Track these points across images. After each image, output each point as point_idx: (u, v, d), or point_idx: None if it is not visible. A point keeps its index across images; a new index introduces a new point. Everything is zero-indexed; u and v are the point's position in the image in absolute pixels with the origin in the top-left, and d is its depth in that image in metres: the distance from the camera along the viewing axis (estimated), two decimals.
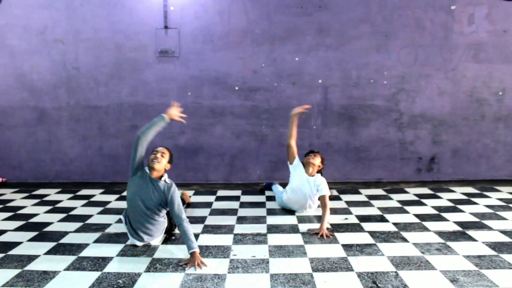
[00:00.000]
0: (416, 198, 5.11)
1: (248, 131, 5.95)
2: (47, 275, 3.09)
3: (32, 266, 3.23)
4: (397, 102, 5.96)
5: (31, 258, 3.37)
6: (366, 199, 5.12)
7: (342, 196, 5.26)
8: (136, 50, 5.85)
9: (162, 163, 3.59)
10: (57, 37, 5.90)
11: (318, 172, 4.50)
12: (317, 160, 4.47)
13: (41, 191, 5.59)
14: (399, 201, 4.99)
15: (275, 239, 3.78)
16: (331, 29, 5.84)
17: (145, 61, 5.87)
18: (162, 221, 3.66)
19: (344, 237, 3.80)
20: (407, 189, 5.56)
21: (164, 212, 3.67)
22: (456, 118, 5.97)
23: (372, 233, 3.90)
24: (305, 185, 4.41)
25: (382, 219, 4.34)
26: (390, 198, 5.14)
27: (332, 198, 5.07)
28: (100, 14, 5.83)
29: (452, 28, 5.81)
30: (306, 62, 5.87)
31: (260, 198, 5.17)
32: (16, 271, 3.15)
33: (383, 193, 5.40)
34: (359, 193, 5.42)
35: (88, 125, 6.00)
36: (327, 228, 3.98)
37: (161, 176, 3.62)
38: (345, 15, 5.83)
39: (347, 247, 3.57)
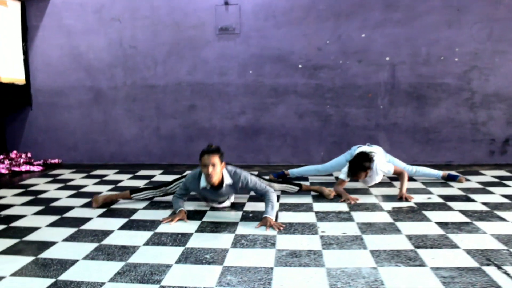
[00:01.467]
0: (496, 180, 4.75)
1: (311, 111, 5.68)
2: (127, 249, 2.90)
3: (109, 241, 3.06)
4: (469, 81, 5.59)
5: (105, 233, 3.20)
6: (441, 180, 4.78)
7: (415, 177, 4.94)
8: (195, 28, 5.66)
9: (217, 174, 3.30)
10: (114, 15, 5.76)
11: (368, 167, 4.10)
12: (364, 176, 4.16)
13: (98, 172, 5.47)
14: (479, 182, 4.64)
15: (361, 216, 3.51)
16: (400, 3, 5.51)
17: (204, 39, 5.67)
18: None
19: (435, 215, 3.49)
20: (482, 171, 5.19)
21: None
22: None
23: (464, 212, 3.57)
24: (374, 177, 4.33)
25: (468, 199, 4.01)
26: (468, 180, 4.78)
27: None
28: None
29: None
30: (372, 39, 5.56)
31: (330, 178, 4.90)
32: (94, 245, 2.98)
33: (458, 175, 5.04)
34: None
35: (144, 105, 5.85)
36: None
37: (222, 180, 3.41)
38: None
39: (442, 224, 3.27)
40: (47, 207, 3.93)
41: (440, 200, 3.96)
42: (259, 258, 2.70)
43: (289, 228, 3.24)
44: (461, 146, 5.68)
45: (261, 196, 3.48)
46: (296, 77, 5.64)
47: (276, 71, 5.65)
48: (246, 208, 3.77)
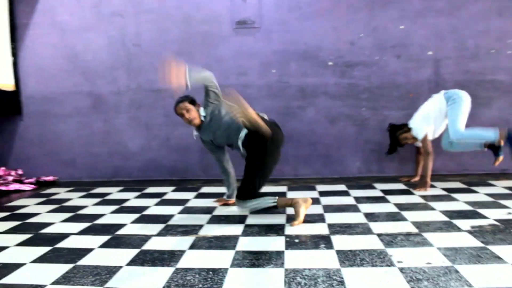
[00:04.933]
0: None
1: (345, 115, 4.93)
2: None
3: (117, 283, 2.26)
4: None
5: (111, 271, 2.40)
6: (508, 191, 4.04)
7: (475, 188, 4.19)
8: (208, 22, 4.93)
9: (195, 115, 3.49)
10: (115, 9, 5.03)
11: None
12: (411, 141, 4.34)
13: (99, 190, 4.69)
14: None
15: (438, 239, 2.73)
16: None
17: (219, 34, 4.94)
18: None
19: None
20: None
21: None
22: None
23: None
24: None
25: None
26: None
27: (465, 190, 4.08)
28: None
29: None
30: (412, 31, 4.84)
31: (375, 193, 4.13)
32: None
33: None
34: (492, 185, 4.32)
35: (152, 112, 5.09)
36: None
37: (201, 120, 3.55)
38: None
39: None
40: (35, 235, 3.13)
41: None
42: None
43: (352, 258, 2.46)
44: None
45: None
46: (326, 76, 4.90)
47: (303, 69, 4.91)
48: (288, 232, 3.00)
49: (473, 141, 4.19)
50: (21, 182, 4.96)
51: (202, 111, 3.54)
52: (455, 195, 3.91)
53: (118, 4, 5.01)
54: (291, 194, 4.13)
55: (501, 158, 4.03)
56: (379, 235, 2.86)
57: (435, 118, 4.21)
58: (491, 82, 4.86)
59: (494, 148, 4.05)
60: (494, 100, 4.88)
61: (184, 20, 4.96)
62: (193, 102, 3.56)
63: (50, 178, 5.16)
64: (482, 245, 2.61)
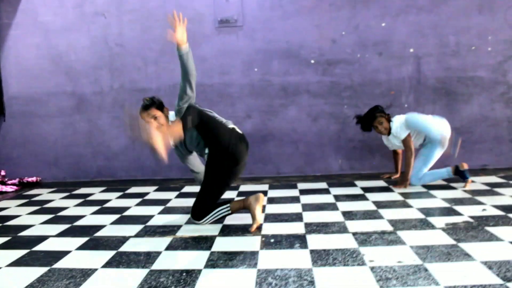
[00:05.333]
0: None
1: (327, 113, 4.96)
2: None
3: (91, 285, 2.28)
4: (504, 73, 4.91)
5: (86, 273, 2.42)
6: (486, 187, 4.07)
7: (453, 184, 4.23)
8: (191, 21, 4.87)
9: (161, 122, 3.10)
10: (98, 9, 5.03)
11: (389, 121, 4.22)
12: (381, 128, 4.21)
13: (82, 190, 4.69)
14: None
15: (411, 237, 2.77)
16: None
17: (202, 33, 4.95)
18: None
19: (504, 233, 2.77)
20: None
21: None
22: None
23: None
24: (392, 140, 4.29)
25: None
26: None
27: (444, 187, 4.13)
28: None
29: None
30: (394, 28, 4.87)
31: (356, 190, 4.16)
32: None
33: (502, 180, 4.35)
34: (471, 181, 4.36)
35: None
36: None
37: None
38: None
39: None
40: (13, 237, 3.14)
41: (499, 212, 3.25)
42: None
43: (325, 257, 2.49)
44: (498, 148, 4.98)
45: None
46: (308, 74, 4.92)
47: (285, 68, 4.93)
48: (264, 232, 3.02)
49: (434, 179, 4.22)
50: (3, 183, 4.95)
51: (171, 116, 3.22)
52: (433, 192, 3.95)
53: (100, 4, 5.00)
54: (272, 193, 4.16)
55: (469, 180, 4.06)
56: (354, 233, 2.89)
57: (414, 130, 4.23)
58: (472, 79, 4.91)
59: (460, 174, 4.08)
60: (475, 96, 4.92)
61: (166, 20, 4.94)
62: (160, 106, 3.18)
63: (33, 179, 5.15)
64: (454, 242, 2.65)
